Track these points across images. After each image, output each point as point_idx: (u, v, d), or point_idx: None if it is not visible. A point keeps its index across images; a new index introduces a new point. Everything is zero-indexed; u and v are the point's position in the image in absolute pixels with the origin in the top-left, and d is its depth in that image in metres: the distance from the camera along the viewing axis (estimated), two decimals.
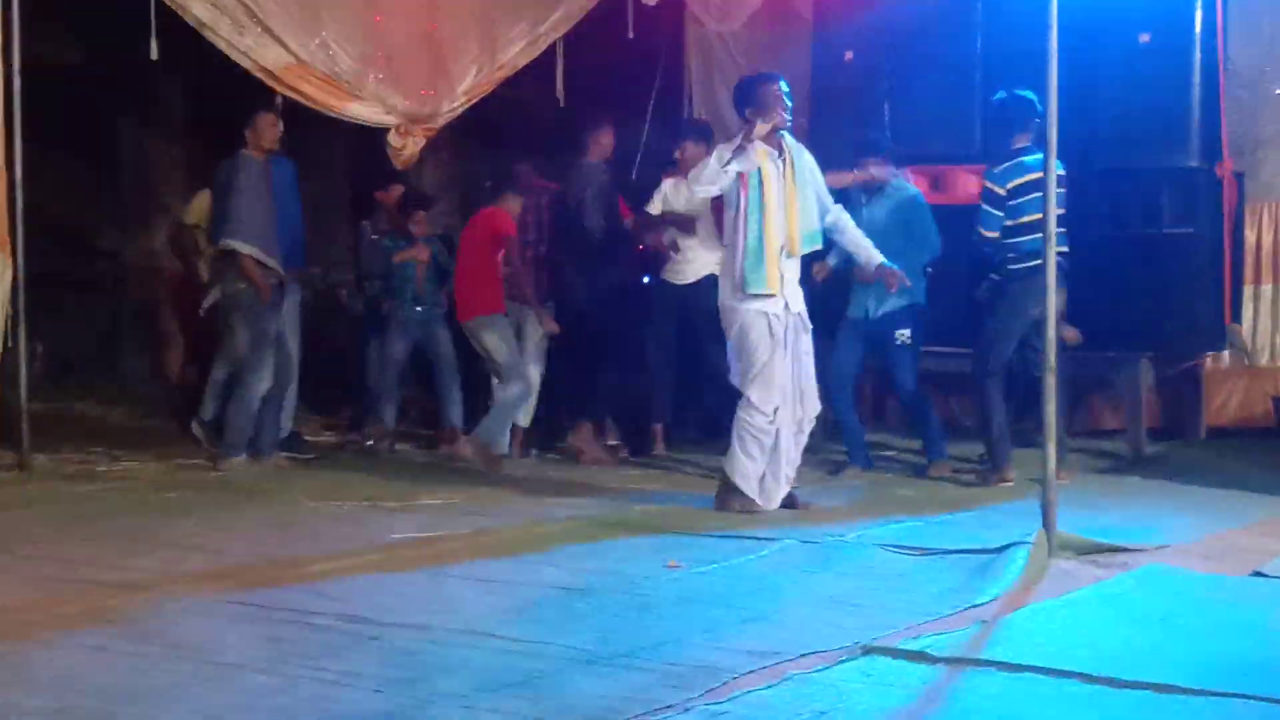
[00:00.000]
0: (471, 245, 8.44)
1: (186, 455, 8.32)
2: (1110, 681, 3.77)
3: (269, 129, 7.97)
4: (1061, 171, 7.11)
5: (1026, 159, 7.37)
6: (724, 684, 3.72)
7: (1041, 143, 6.04)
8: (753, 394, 6.65)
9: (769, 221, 6.64)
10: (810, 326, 6.81)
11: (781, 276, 6.67)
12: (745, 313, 6.67)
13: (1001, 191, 7.47)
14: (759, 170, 6.65)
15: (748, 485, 6.65)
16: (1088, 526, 5.78)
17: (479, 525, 6.29)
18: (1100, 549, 5.52)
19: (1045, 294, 5.55)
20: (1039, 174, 6.50)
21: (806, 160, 6.82)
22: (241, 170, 7.89)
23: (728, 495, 6.70)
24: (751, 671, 3.82)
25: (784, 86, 6.76)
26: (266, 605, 4.65)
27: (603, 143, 8.84)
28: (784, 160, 6.73)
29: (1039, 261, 5.76)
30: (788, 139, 6.78)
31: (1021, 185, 7.37)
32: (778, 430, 6.67)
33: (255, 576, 5.12)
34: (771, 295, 6.64)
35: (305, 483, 7.46)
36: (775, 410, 6.64)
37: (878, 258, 7.11)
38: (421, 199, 9.30)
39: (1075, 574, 5.19)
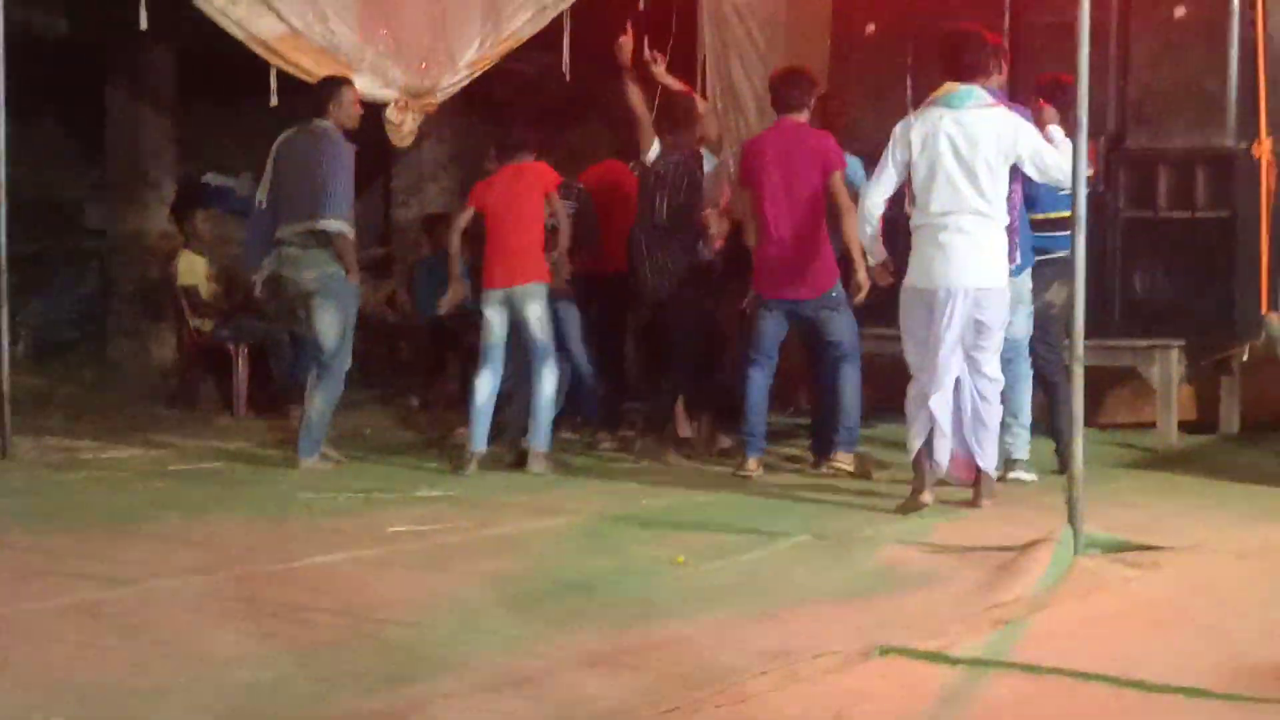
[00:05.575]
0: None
1: (175, 443, 8.33)
2: (1139, 685, 3.76)
3: (355, 106, 7.57)
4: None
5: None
6: (734, 686, 3.72)
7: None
8: None
9: None
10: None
11: None
12: None
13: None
14: None
15: None
16: (1116, 524, 5.77)
17: (479, 518, 6.29)
18: (1129, 547, 5.50)
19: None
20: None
21: None
22: (344, 149, 7.41)
23: None
24: (763, 673, 3.82)
25: None
26: (258, 600, 4.66)
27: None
28: None
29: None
30: None
31: None
32: None
33: (246, 570, 5.12)
34: None
35: (300, 475, 7.46)
36: None
37: None
38: None
39: (1102, 573, 5.18)
